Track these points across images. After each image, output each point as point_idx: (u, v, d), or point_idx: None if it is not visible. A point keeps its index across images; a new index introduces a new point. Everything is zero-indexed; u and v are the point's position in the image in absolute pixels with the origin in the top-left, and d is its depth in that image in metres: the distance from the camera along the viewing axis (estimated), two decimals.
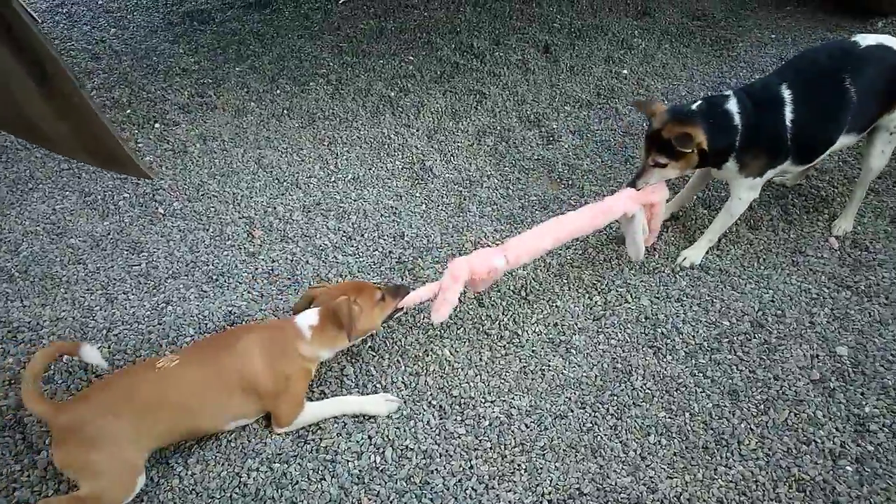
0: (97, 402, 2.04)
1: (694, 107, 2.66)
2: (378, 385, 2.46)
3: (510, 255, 2.50)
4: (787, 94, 2.61)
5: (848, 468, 2.20)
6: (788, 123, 2.61)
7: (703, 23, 4.70)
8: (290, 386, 2.26)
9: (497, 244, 2.99)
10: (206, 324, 2.67)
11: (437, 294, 2.45)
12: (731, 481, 2.17)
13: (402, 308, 2.49)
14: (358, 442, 2.28)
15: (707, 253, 2.96)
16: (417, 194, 3.34)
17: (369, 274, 2.90)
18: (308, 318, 2.32)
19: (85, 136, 1.93)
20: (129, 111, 3.89)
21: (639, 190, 2.70)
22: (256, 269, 2.93)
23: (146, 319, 2.70)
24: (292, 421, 2.28)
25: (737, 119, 2.60)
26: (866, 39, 2.68)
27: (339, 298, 2.27)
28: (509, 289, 2.83)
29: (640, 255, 2.84)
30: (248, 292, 2.82)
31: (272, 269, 2.92)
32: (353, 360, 2.54)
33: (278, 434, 2.29)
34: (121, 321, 2.69)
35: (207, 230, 3.12)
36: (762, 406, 2.39)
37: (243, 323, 2.67)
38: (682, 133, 2.53)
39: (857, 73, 2.61)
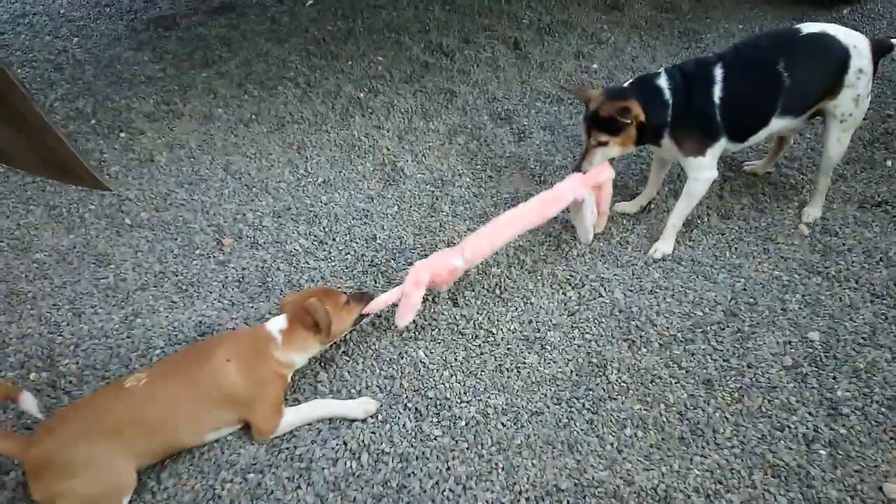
0: (65, 431, 1.98)
1: (626, 84, 2.78)
2: (353, 390, 2.43)
3: (467, 254, 2.56)
4: (718, 72, 2.68)
5: (821, 452, 2.21)
6: (717, 100, 2.68)
7: (672, 15, 4.73)
8: (267, 392, 2.24)
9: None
10: (177, 335, 2.63)
11: (400, 298, 2.47)
12: (707, 470, 2.17)
13: (367, 314, 2.49)
14: (333, 448, 2.25)
15: (679, 244, 2.97)
16: (389, 196, 3.32)
17: (342, 278, 2.88)
18: (277, 324, 2.32)
19: (41, 150, 1.89)
20: (93, 121, 3.83)
21: (585, 172, 2.78)
22: (227, 277, 2.89)
23: (115, 333, 2.65)
24: (273, 428, 2.26)
25: (667, 94, 2.70)
26: (809, 27, 2.71)
27: (308, 300, 2.28)
28: (483, 287, 2.82)
29: (590, 237, 2.94)
30: (219, 301, 2.78)
31: (243, 277, 2.89)
32: (327, 366, 2.51)
33: (261, 443, 2.26)
34: (89, 336, 2.65)
35: (176, 240, 3.08)
36: (736, 394, 2.40)
37: (214, 333, 2.63)
38: (621, 107, 2.63)
39: (792, 59, 2.66)
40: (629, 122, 2.65)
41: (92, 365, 2.53)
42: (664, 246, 2.95)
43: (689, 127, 2.73)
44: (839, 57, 2.66)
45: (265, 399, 2.23)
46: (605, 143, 2.74)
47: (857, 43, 2.67)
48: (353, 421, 2.33)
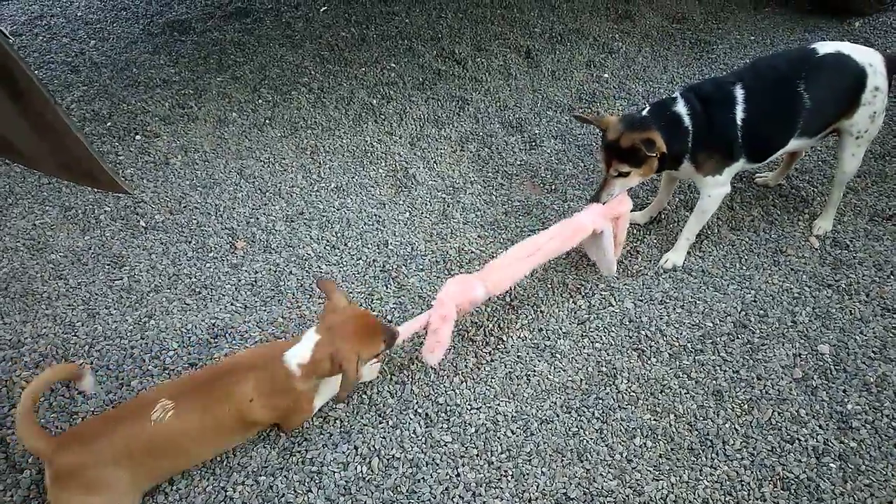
0: (99, 450, 1.96)
1: (645, 112, 2.69)
2: (364, 395, 2.45)
3: (489, 284, 2.46)
4: (739, 94, 2.65)
5: (831, 465, 2.22)
6: (739, 122, 2.65)
7: (683, 25, 4.74)
8: (298, 406, 2.21)
9: (480, 251, 3.02)
10: (190, 337, 2.66)
11: (424, 327, 2.39)
12: (716, 481, 2.18)
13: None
14: (344, 452, 2.27)
15: (689, 255, 2.98)
16: (401, 202, 3.34)
17: (353, 283, 2.90)
18: (298, 356, 2.12)
19: (60, 153, 1.91)
20: (109, 124, 3.87)
21: (604, 203, 2.71)
22: (240, 280, 2.92)
23: (129, 334, 2.68)
24: (302, 423, 2.32)
25: (686, 121, 2.64)
26: (825, 47, 2.71)
27: (344, 348, 2.09)
28: (494, 295, 2.83)
29: (613, 269, 2.88)
30: (232, 304, 2.81)
31: (255, 281, 2.91)
32: None
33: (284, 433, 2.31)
34: (103, 336, 2.67)
35: (190, 242, 3.11)
36: (746, 406, 2.40)
37: (227, 336, 2.66)
38: (646, 139, 2.55)
39: (811, 80, 2.65)
40: (654, 154, 2.58)
41: (106, 365, 2.56)
42: (675, 257, 2.95)
43: (709, 150, 2.69)
44: (856, 77, 2.67)
45: (296, 410, 2.22)
46: (626, 174, 2.67)
47: (872, 61, 2.68)
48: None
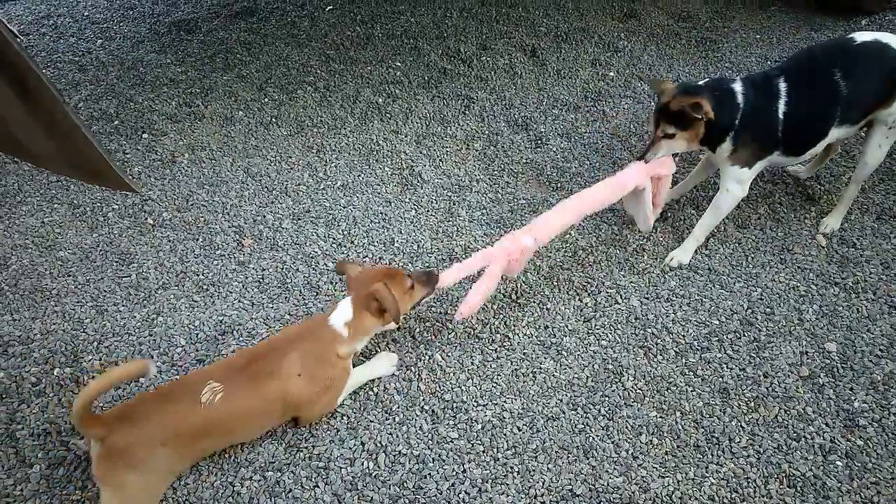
0: (151, 430, 2.02)
1: (701, 83, 2.78)
2: (370, 392, 2.46)
3: (537, 234, 2.62)
4: (782, 86, 2.70)
5: (838, 463, 2.22)
6: (781, 115, 2.70)
7: (689, 24, 4.74)
8: (332, 389, 2.30)
9: (487, 248, 3.02)
10: (197, 334, 2.67)
11: (470, 272, 2.58)
12: (722, 479, 2.18)
13: (431, 293, 2.52)
14: (351, 448, 2.28)
15: (695, 253, 2.98)
16: (407, 200, 3.35)
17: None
18: (342, 315, 2.30)
19: (69, 151, 1.92)
20: (116, 122, 3.89)
21: (647, 162, 2.81)
22: (247, 278, 2.93)
23: (137, 331, 2.69)
24: (323, 416, 2.36)
25: (740, 98, 2.71)
26: (863, 35, 2.73)
27: (374, 285, 2.27)
28: (500, 292, 2.84)
29: (650, 226, 2.98)
30: (239, 301, 2.82)
31: (263, 278, 2.92)
32: None
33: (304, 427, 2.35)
34: (112, 333, 2.69)
35: (197, 240, 3.12)
36: (752, 403, 2.40)
37: (235, 333, 2.67)
38: (693, 102, 2.64)
39: (848, 68, 2.67)
40: (700, 117, 2.66)
41: (114, 361, 2.58)
42: (682, 255, 2.96)
43: (750, 135, 2.75)
44: (894, 64, 2.67)
45: (328, 395, 2.30)
46: (671, 136, 2.76)
47: None
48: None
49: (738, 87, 2.72)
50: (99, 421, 1.99)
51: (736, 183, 2.83)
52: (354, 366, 2.44)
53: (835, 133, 2.79)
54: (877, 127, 2.81)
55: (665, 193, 2.97)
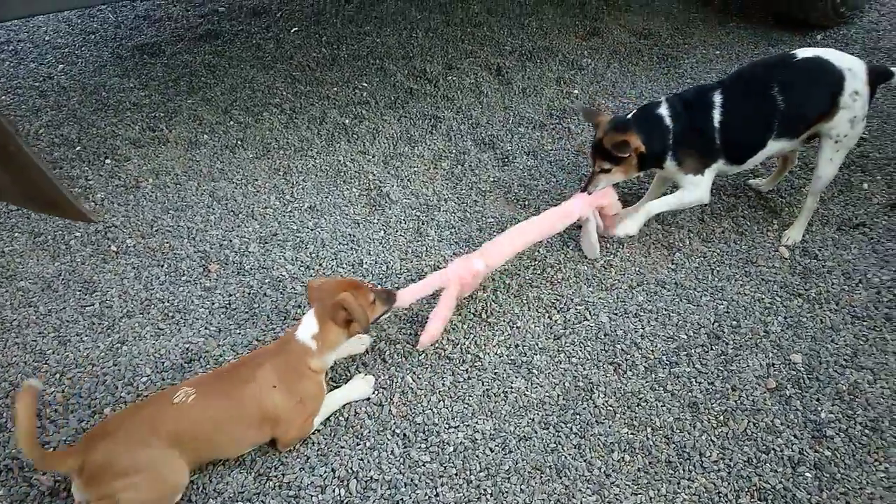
0: (123, 436, 2.02)
1: (630, 116, 2.90)
2: (341, 417, 2.43)
3: (488, 259, 2.71)
4: (717, 98, 2.82)
5: (807, 475, 2.24)
6: (717, 125, 2.81)
7: (650, 41, 4.82)
8: (308, 405, 2.28)
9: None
10: (163, 362, 2.62)
11: (426, 293, 2.66)
12: (693, 494, 2.19)
13: (388, 311, 2.54)
14: (321, 475, 2.24)
15: (661, 267, 3.01)
16: (375, 221, 3.34)
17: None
18: (308, 329, 2.30)
19: (24, 185, 1.88)
20: (78, 148, 3.82)
21: (590, 194, 2.92)
22: (213, 304, 2.88)
23: (101, 361, 2.63)
24: (305, 435, 2.33)
25: (667, 121, 2.83)
26: (805, 52, 2.81)
27: (341, 294, 2.27)
28: (469, 312, 2.84)
29: (597, 253, 3.05)
30: (206, 328, 2.77)
31: (230, 304, 2.88)
32: None
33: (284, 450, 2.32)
34: (74, 364, 2.63)
35: (162, 266, 3.07)
36: (722, 417, 2.42)
37: (201, 361, 2.62)
38: (619, 141, 2.77)
39: (786, 83, 2.78)
40: (626, 156, 2.79)
41: (77, 393, 2.51)
42: (631, 225, 2.96)
43: (690, 148, 2.86)
44: (833, 80, 2.76)
45: (304, 413, 2.28)
46: (608, 171, 2.88)
47: (852, 66, 2.77)
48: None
49: (663, 110, 2.85)
50: (67, 455, 1.99)
51: (695, 187, 2.92)
52: (330, 390, 2.42)
53: (775, 145, 2.89)
54: (824, 141, 2.88)
55: (617, 206, 3.02)
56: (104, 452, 1.98)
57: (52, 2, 3.03)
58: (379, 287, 2.68)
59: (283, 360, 2.26)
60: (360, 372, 2.58)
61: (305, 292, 2.51)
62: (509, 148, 3.81)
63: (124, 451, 2.00)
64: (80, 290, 2.95)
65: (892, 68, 2.87)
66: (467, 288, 2.71)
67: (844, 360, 2.60)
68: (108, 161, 3.73)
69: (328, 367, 2.40)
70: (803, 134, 2.89)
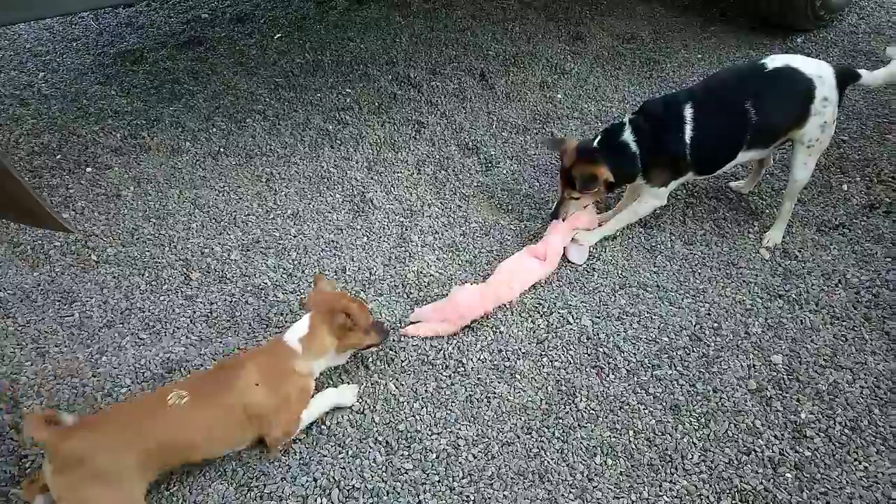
0: (108, 434, 2.00)
1: (596, 143, 2.91)
2: (323, 425, 2.42)
3: (496, 300, 2.84)
4: (688, 112, 2.82)
5: (788, 475, 2.25)
6: (688, 140, 2.83)
7: (633, 45, 4.84)
8: (290, 406, 2.28)
9: (439, 274, 3.02)
10: (143, 373, 2.60)
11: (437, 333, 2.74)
12: (675, 497, 2.20)
13: (379, 345, 2.56)
14: (303, 485, 2.23)
15: (643, 269, 3.03)
16: (358, 227, 3.33)
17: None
18: (297, 331, 2.34)
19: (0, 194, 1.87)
20: (59, 156, 3.80)
21: (563, 220, 3.00)
22: (195, 312, 2.87)
23: (80, 372, 2.61)
24: (291, 434, 2.33)
25: (633, 147, 2.86)
26: (774, 61, 2.82)
27: (346, 302, 2.37)
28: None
29: (585, 255, 3.10)
30: (187, 337, 2.76)
31: (211, 312, 2.87)
32: None
33: (273, 450, 2.32)
34: (53, 375, 2.60)
35: (143, 275, 3.05)
36: (703, 419, 2.43)
37: (182, 370, 2.60)
38: (588, 175, 2.83)
39: (759, 94, 2.79)
40: (596, 189, 2.86)
41: (56, 405, 2.49)
42: (589, 237, 3.10)
43: (659, 167, 2.90)
44: (804, 88, 2.78)
45: (288, 412, 2.27)
46: (577, 198, 2.96)
47: (821, 73, 2.78)
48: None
49: (628, 136, 2.86)
50: (50, 430, 1.94)
51: (653, 197, 3.01)
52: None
53: (746, 155, 2.93)
54: (796, 147, 2.91)
55: (594, 219, 3.14)
56: (80, 446, 1.94)
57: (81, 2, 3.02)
58: (379, 320, 2.76)
59: (267, 360, 2.29)
60: (342, 380, 2.57)
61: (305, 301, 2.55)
62: (493, 153, 3.81)
63: (102, 452, 1.96)
64: (59, 301, 2.93)
65: (858, 70, 2.88)
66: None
67: (824, 360, 2.62)
68: (88, 169, 3.71)
69: (315, 374, 2.39)
70: (775, 143, 2.92)
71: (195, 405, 2.12)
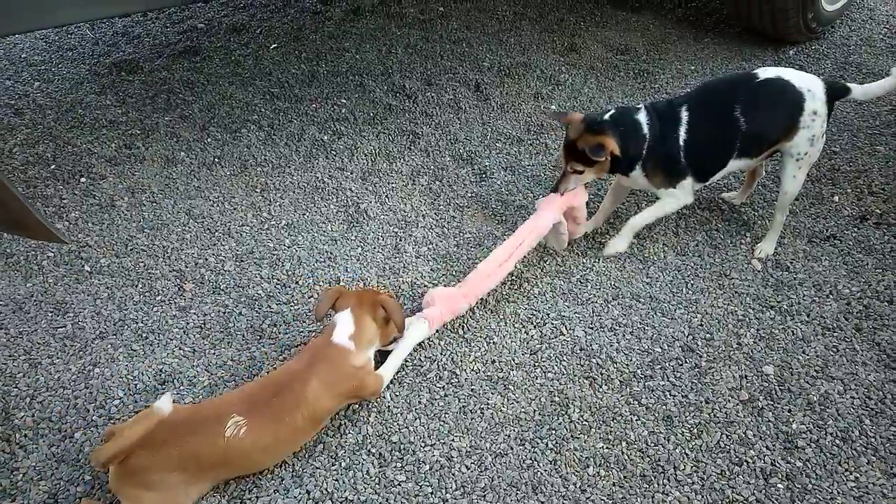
0: (166, 455, 2.04)
1: (607, 116, 2.85)
2: (320, 436, 2.42)
3: (471, 298, 2.82)
4: (684, 115, 2.84)
5: (779, 486, 2.26)
6: (681, 143, 2.84)
7: (627, 57, 4.88)
8: (363, 382, 2.40)
9: (433, 284, 3.03)
10: (136, 385, 2.60)
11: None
12: None
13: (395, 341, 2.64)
14: (295, 498, 2.23)
15: (637, 280, 3.04)
16: (353, 237, 3.34)
17: (305, 322, 2.87)
18: (345, 330, 2.39)
19: None
20: (53, 166, 3.80)
21: (562, 194, 2.93)
22: (188, 323, 2.87)
23: (72, 384, 2.61)
24: (378, 391, 2.50)
25: (645, 129, 2.83)
26: (766, 72, 2.85)
27: (380, 296, 2.49)
28: (446, 328, 2.84)
29: (564, 245, 3.13)
30: (180, 349, 2.75)
31: (204, 323, 2.87)
32: None
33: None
34: (45, 387, 2.60)
35: (136, 286, 3.05)
36: (695, 430, 2.44)
37: (175, 382, 2.60)
38: (595, 144, 2.75)
39: (748, 104, 2.81)
40: (603, 159, 2.78)
41: (48, 417, 2.49)
42: (619, 243, 3.09)
43: (657, 165, 2.89)
44: (794, 101, 2.80)
45: (365, 385, 2.41)
46: (580, 172, 2.89)
47: (811, 86, 2.81)
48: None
49: (642, 117, 2.84)
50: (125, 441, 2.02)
51: (673, 197, 2.98)
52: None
53: (736, 164, 2.94)
54: (786, 159, 2.93)
55: (584, 213, 3.08)
56: (143, 462, 2.02)
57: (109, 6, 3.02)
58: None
59: (326, 368, 2.30)
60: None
61: (319, 303, 2.48)
62: (487, 163, 3.83)
63: (160, 468, 2.04)
64: (52, 312, 2.92)
65: (849, 84, 2.92)
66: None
67: (815, 370, 2.63)
68: (83, 179, 3.71)
69: (372, 361, 2.48)
70: (764, 153, 2.95)
71: (259, 431, 2.13)
